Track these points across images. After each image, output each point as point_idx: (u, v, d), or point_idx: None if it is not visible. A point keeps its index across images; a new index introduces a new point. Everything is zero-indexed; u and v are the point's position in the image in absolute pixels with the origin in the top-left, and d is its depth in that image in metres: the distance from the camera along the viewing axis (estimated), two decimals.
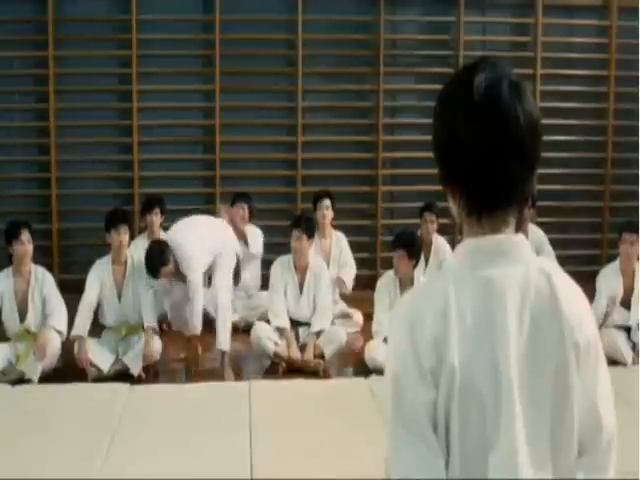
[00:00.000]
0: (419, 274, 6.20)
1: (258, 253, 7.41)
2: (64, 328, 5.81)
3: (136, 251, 6.35)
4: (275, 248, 7.13)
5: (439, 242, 7.29)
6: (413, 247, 6.00)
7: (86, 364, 5.66)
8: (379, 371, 5.44)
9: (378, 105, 8.42)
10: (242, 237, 7.14)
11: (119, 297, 6.02)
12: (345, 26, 8.42)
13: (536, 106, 1.45)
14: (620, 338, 6.04)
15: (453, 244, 7.25)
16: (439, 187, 1.50)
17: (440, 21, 8.57)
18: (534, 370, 1.40)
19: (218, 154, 8.24)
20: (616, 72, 8.62)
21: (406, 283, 5.99)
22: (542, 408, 1.41)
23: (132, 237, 6.76)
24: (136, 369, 5.71)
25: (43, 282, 5.89)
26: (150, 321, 5.94)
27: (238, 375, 5.97)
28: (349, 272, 7.16)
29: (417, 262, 6.10)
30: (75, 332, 5.75)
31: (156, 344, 5.87)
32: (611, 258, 6.58)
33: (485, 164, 1.41)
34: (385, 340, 5.51)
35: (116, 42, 8.26)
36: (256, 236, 7.39)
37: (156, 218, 7.21)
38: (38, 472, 4.08)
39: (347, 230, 7.51)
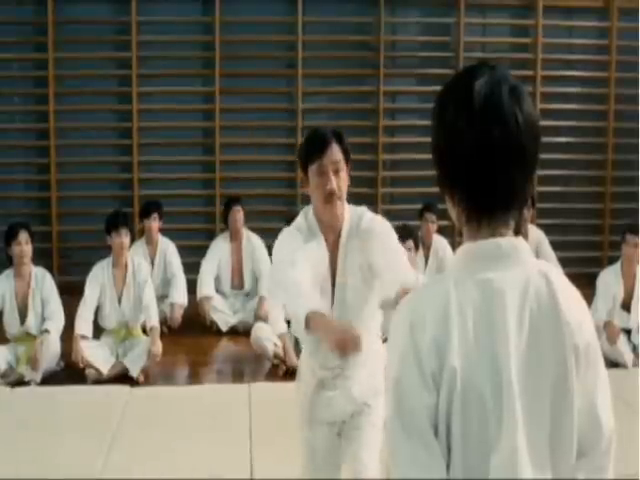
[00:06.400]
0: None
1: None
2: (59, 334, 5.80)
3: (135, 255, 6.34)
4: None
5: (439, 242, 7.25)
6: (416, 238, 6.11)
7: (82, 362, 5.64)
8: None
9: (378, 107, 8.42)
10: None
11: (119, 300, 6.00)
12: (345, 28, 8.42)
13: (535, 109, 1.46)
14: (620, 340, 6.02)
15: (453, 246, 7.24)
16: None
17: (440, 23, 8.57)
18: (534, 372, 1.40)
19: (218, 156, 8.24)
20: (616, 74, 8.62)
21: None
22: (542, 410, 1.41)
23: (132, 239, 6.75)
24: (135, 371, 5.70)
25: (43, 284, 5.89)
26: (154, 321, 5.94)
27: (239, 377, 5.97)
28: None
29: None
30: (78, 331, 5.74)
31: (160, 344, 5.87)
32: (612, 260, 6.56)
33: (485, 167, 1.40)
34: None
35: (116, 44, 8.27)
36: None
37: (154, 223, 7.12)
38: (38, 473, 4.07)
39: None
